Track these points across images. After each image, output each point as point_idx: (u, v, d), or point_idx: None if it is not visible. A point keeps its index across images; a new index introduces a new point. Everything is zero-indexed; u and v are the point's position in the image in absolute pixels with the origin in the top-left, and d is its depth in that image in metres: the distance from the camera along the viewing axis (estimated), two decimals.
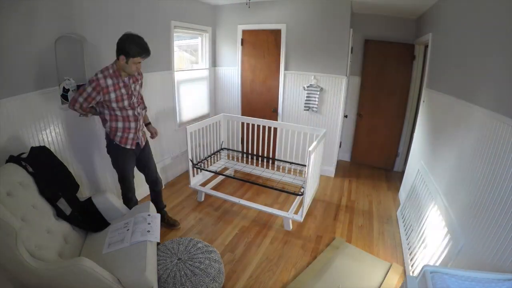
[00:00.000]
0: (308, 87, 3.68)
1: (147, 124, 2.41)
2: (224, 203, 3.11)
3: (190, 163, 3.02)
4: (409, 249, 2.31)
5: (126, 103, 2.02)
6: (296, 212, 2.71)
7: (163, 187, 3.13)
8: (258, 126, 3.56)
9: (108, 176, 2.68)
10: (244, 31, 3.92)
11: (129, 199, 2.32)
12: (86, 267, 1.39)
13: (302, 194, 2.63)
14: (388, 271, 2.17)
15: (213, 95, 4.36)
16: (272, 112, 4.08)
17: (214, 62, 4.22)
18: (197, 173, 3.26)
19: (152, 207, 2.12)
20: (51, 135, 2.12)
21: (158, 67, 3.14)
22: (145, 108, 2.35)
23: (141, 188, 3.15)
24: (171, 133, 3.52)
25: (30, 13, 1.86)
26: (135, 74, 2.08)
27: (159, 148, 3.36)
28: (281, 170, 3.52)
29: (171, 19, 3.19)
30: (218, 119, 3.53)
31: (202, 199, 3.17)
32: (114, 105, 1.97)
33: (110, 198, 2.07)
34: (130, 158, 2.21)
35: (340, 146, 3.78)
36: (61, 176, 1.97)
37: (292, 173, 3.41)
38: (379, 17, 3.75)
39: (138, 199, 3.05)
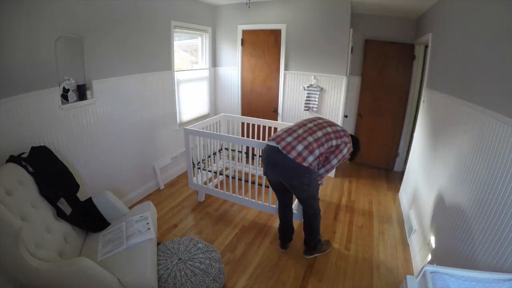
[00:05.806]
0: (308, 87, 3.68)
1: None
2: (224, 203, 3.11)
3: (190, 163, 3.02)
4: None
5: None
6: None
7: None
8: (258, 126, 3.55)
9: (108, 176, 2.68)
10: (244, 31, 3.92)
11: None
12: (86, 267, 1.39)
13: None
14: None
15: (213, 95, 4.36)
16: (272, 112, 4.08)
17: (214, 62, 4.22)
18: (197, 173, 3.25)
19: (152, 206, 2.13)
20: (51, 135, 2.12)
21: (158, 67, 3.14)
22: None
23: (141, 188, 3.15)
24: (171, 133, 3.52)
25: (30, 13, 1.86)
26: None
27: (159, 148, 3.36)
28: None
29: (171, 19, 3.19)
30: (218, 119, 3.53)
31: (202, 199, 3.16)
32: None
33: (110, 198, 2.07)
34: None
35: None
36: (61, 176, 1.98)
37: None
38: (379, 17, 3.75)
39: (137, 200, 3.08)
